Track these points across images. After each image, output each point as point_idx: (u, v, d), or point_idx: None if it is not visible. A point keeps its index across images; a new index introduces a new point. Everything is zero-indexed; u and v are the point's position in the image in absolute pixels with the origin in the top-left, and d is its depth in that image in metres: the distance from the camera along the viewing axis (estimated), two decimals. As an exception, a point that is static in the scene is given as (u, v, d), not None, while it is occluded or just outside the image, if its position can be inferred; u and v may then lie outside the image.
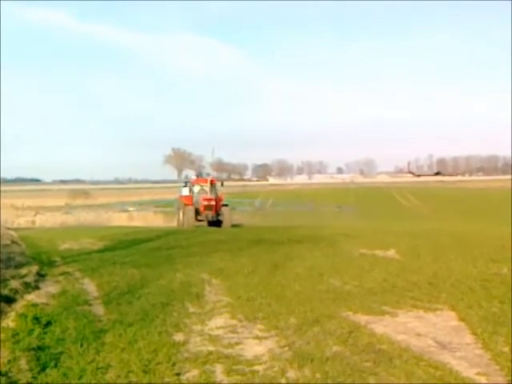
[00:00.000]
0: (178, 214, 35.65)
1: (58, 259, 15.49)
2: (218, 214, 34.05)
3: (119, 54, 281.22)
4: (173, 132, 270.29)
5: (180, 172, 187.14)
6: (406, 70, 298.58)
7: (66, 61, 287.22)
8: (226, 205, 35.86)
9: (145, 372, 6.49)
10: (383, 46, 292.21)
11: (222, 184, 39.82)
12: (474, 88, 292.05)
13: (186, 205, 33.89)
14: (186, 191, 35.87)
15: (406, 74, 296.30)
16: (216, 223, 33.61)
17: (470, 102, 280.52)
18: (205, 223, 33.56)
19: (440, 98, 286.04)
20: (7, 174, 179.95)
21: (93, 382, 6.25)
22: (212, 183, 35.95)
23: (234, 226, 33.74)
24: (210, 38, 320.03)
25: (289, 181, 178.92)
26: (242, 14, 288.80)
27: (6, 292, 10.35)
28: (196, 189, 35.59)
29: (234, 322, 8.88)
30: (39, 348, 7.38)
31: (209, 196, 34.53)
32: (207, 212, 33.65)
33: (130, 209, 54.45)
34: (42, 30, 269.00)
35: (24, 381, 6.26)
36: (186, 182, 38.18)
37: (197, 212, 33.38)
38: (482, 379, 6.28)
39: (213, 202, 34.05)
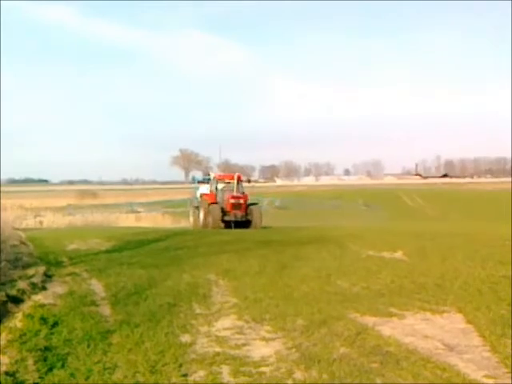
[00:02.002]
0: (195, 214, 32.81)
1: (65, 260, 15.50)
2: (246, 214, 31.12)
3: (127, 52, 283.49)
4: (180, 132, 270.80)
5: (187, 173, 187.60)
6: (414, 71, 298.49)
7: (73, 60, 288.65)
8: (256, 203, 33.22)
9: (152, 373, 6.50)
10: (390, 44, 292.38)
11: (249, 181, 37.27)
12: (483, 89, 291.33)
13: (210, 203, 30.95)
14: (206, 189, 32.94)
15: (414, 74, 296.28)
16: (243, 224, 30.77)
17: (479, 103, 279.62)
18: (222, 224, 30.52)
19: (448, 99, 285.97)
20: (15, 175, 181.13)
21: (100, 382, 6.26)
22: (239, 180, 32.75)
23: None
24: (218, 36, 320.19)
25: (296, 182, 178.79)
26: (250, 12, 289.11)
27: (13, 292, 10.36)
28: (220, 186, 32.48)
29: (241, 323, 8.88)
30: (46, 348, 7.40)
31: (237, 193, 31.62)
32: (235, 211, 30.73)
33: (140, 210, 54.33)
34: (47, 28, 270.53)
35: (31, 381, 6.28)
36: (206, 179, 35.01)
37: (222, 211, 30.53)
38: (490, 382, 6.26)
39: (241, 201, 31.22)
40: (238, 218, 30.72)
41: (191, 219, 34.00)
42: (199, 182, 36.20)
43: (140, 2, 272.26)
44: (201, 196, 32.80)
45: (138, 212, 52.11)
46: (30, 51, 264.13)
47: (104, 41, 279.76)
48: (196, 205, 33.61)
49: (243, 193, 32.25)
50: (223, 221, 30.71)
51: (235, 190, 31.77)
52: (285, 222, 36.42)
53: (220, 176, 33.82)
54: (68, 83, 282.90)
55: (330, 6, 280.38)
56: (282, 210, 51.08)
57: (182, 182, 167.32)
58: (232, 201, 30.75)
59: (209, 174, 35.37)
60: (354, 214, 48.85)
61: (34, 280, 11.85)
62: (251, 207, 31.44)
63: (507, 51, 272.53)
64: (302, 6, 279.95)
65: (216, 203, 30.95)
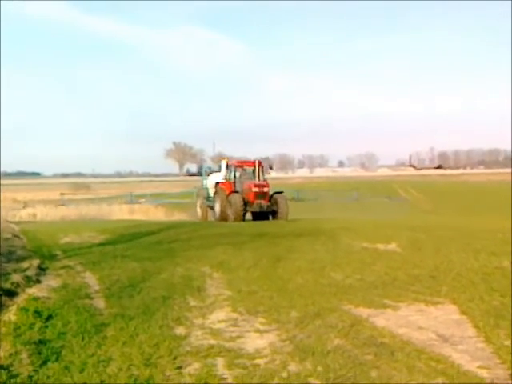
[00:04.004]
0: (204, 206, 31.05)
1: (59, 253, 15.48)
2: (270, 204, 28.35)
3: (120, 47, 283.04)
4: (174, 126, 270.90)
5: (181, 166, 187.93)
6: (407, 63, 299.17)
7: (66, 54, 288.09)
8: (281, 192, 29.86)
9: (146, 365, 6.49)
10: (384, 39, 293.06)
11: (271, 167, 34.52)
12: (475, 81, 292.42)
13: (230, 193, 28.03)
14: (219, 176, 30.09)
15: (407, 66, 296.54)
16: (266, 215, 28.47)
17: (472, 95, 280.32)
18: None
19: (441, 90, 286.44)
20: (8, 168, 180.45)
21: (94, 375, 6.25)
22: (260, 166, 29.87)
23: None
24: (211, 31, 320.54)
25: (290, 174, 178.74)
26: (244, 7, 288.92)
27: (7, 286, 10.35)
28: (238, 173, 29.73)
29: (236, 315, 8.88)
30: (40, 342, 7.39)
31: (260, 181, 28.92)
32: (259, 201, 27.89)
33: (141, 200, 53.95)
34: (43, 24, 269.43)
35: (25, 374, 6.26)
36: (217, 167, 32.43)
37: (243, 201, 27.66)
38: (484, 372, 6.28)
39: (266, 189, 28.36)
40: (264, 208, 28.25)
41: (198, 211, 32.14)
42: (208, 172, 33.73)
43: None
44: (216, 185, 29.66)
45: (139, 203, 51.56)
46: (22, 45, 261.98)
47: (98, 36, 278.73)
48: (206, 196, 31.48)
49: (265, 180, 29.69)
50: (245, 211, 28.18)
51: (257, 177, 29.39)
52: (307, 214, 33.66)
53: (238, 162, 30.74)
54: (62, 77, 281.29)
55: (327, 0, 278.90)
56: (299, 201, 49.08)
57: (176, 175, 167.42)
58: (255, 189, 28.07)
59: (202, 167, 33.52)
60: (380, 207, 46.94)
61: (28, 273, 11.84)
62: (276, 196, 28.79)
63: (503, 44, 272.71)
64: (298, 2, 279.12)
65: (236, 192, 28.28)
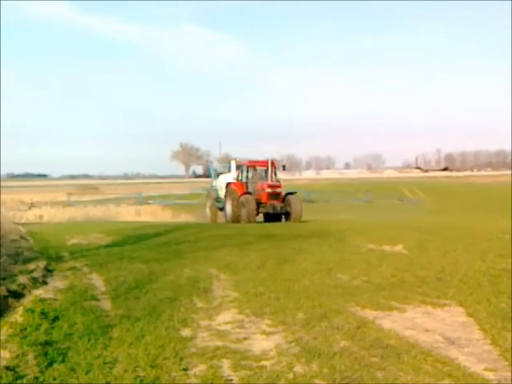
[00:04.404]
0: (214, 207, 30.42)
1: (65, 254, 15.52)
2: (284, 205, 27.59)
3: (125, 47, 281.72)
4: (180, 127, 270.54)
5: (187, 167, 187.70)
6: (414, 63, 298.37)
7: (71, 55, 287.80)
8: (294, 192, 29.54)
9: (152, 367, 6.49)
10: (390, 38, 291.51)
11: (284, 167, 33.17)
12: (483, 82, 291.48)
13: (242, 193, 27.53)
14: (229, 177, 29.38)
15: (414, 67, 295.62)
16: (279, 216, 27.79)
17: (479, 96, 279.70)
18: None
19: (448, 92, 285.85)
20: (15, 170, 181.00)
21: (100, 376, 6.26)
22: (273, 166, 29.07)
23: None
24: (217, 31, 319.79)
25: (297, 176, 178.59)
26: (248, 6, 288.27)
27: (14, 287, 10.37)
28: (251, 173, 29.03)
29: (242, 317, 8.87)
30: (47, 343, 7.40)
31: (273, 182, 28.32)
32: (272, 202, 27.22)
33: (150, 201, 53.97)
34: (43, 24, 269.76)
35: (31, 376, 6.27)
36: (226, 168, 31.47)
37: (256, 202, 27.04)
38: (490, 375, 6.25)
39: (279, 189, 27.80)
40: (278, 209, 27.56)
41: (208, 213, 31.42)
42: (218, 173, 32.91)
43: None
44: (226, 186, 28.98)
45: (148, 203, 51.51)
46: (24, 47, 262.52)
47: (100, 36, 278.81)
48: (215, 197, 30.71)
49: (278, 181, 29.05)
50: (264, 213, 27.85)
51: (270, 177, 28.57)
52: (319, 216, 32.57)
53: (251, 162, 29.77)
54: (68, 78, 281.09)
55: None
56: (311, 203, 48.46)
57: (182, 177, 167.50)
58: (268, 190, 27.44)
59: (209, 169, 33.27)
60: (393, 209, 46.37)
61: (35, 275, 11.87)
62: (289, 197, 28.12)
63: (506, 46, 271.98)
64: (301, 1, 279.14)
65: (249, 193, 27.75)
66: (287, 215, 27.63)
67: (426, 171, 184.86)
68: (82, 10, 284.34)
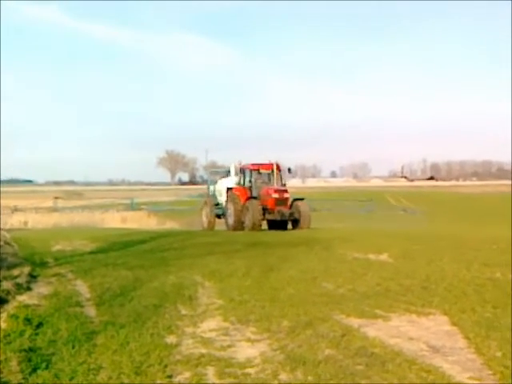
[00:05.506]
0: (212, 214, 28.70)
1: (50, 260, 15.46)
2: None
3: (114, 51, 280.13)
4: (167, 133, 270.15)
5: (173, 174, 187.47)
6: (399, 74, 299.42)
7: (60, 58, 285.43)
8: (302, 198, 27.79)
9: (136, 374, 6.46)
10: (379, 48, 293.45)
11: (290, 170, 31.32)
12: (468, 93, 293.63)
13: (247, 199, 25.85)
14: (230, 182, 27.84)
15: (399, 77, 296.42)
16: (285, 223, 26.30)
17: (464, 106, 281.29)
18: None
19: (434, 102, 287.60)
20: (2, 175, 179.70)
21: (84, 383, 6.22)
22: (278, 169, 27.35)
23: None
24: (207, 36, 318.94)
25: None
26: (241, 12, 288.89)
27: (-3, 293, 10.31)
28: (254, 177, 27.21)
29: (227, 324, 8.86)
30: (30, 349, 7.34)
31: (280, 187, 26.63)
32: (279, 208, 25.53)
33: (143, 207, 53.80)
34: (36, 27, 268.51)
35: (15, 382, 6.22)
36: (225, 172, 30.12)
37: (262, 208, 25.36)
38: (475, 383, 6.27)
39: (287, 195, 26.15)
40: (286, 216, 25.86)
41: (204, 220, 29.66)
42: (216, 178, 31.50)
43: (128, 2, 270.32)
44: (227, 191, 27.42)
45: (140, 209, 51.32)
46: (13, 48, 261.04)
47: (92, 40, 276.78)
48: (213, 203, 29.10)
49: (284, 185, 27.30)
50: (268, 220, 26.09)
51: (275, 182, 26.90)
52: (326, 224, 31.36)
53: (254, 166, 27.70)
54: (53, 82, 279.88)
55: (325, 5, 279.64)
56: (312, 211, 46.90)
57: (168, 184, 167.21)
58: (275, 195, 25.79)
59: (194, 176, 32.58)
60: (396, 219, 45.76)
61: (19, 280, 11.80)
62: (297, 203, 26.52)
63: (493, 55, 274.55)
64: (296, 7, 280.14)
65: (254, 198, 25.93)
66: (295, 222, 26.19)
67: (412, 180, 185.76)
68: (76, 15, 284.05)
